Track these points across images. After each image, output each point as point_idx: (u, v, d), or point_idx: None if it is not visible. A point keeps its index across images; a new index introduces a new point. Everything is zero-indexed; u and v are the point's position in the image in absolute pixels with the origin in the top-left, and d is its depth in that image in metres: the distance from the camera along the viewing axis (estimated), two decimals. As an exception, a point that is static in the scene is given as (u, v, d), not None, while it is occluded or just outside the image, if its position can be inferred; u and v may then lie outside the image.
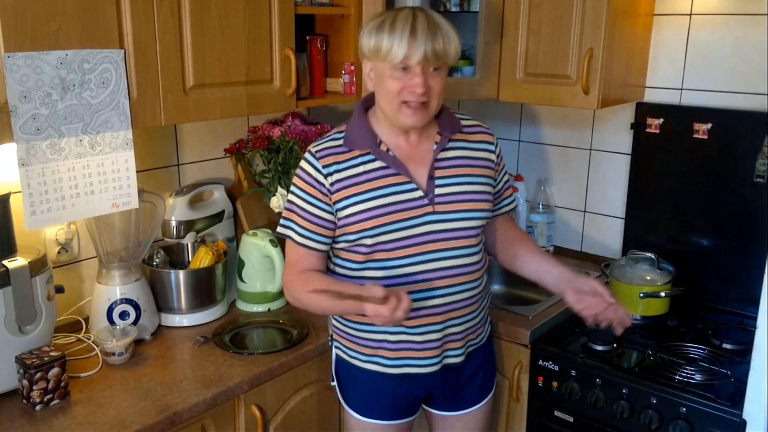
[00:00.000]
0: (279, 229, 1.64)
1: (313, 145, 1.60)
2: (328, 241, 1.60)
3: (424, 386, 1.69)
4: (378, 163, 1.56)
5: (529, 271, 1.75)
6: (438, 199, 1.57)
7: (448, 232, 1.58)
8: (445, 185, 1.59)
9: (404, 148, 1.59)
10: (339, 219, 1.56)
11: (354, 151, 1.56)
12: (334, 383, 1.77)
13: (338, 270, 1.64)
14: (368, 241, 1.55)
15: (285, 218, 1.62)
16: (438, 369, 1.64)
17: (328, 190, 1.55)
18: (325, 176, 1.55)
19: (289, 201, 1.61)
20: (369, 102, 1.64)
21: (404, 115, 1.51)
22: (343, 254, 1.62)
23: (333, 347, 1.76)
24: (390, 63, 1.47)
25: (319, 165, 1.56)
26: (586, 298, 1.60)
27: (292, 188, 1.60)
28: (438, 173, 1.59)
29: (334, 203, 1.55)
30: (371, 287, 1.42)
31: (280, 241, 2.05)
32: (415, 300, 1.53)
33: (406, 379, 1.66)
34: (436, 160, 1.59)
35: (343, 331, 1.69)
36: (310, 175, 1.57)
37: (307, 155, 1.59)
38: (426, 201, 1.56)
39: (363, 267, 1.59)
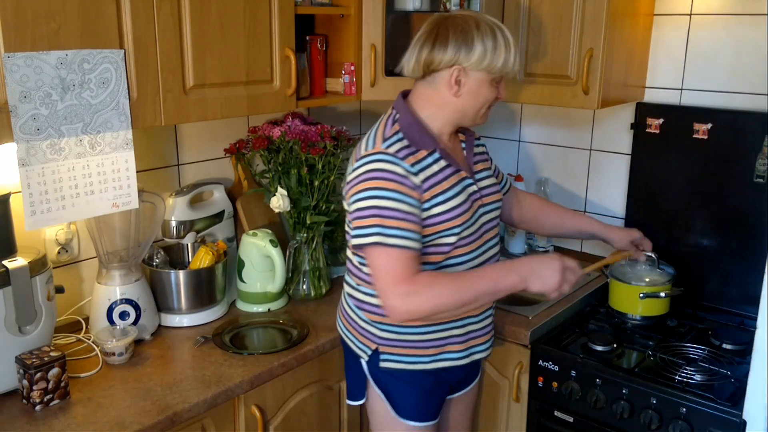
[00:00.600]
0: (365, 240, 1.49)
1: (381, 147, 1.53)
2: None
3: (458, 376, 1.78)
4: (443, 162, 1.60)
5: (571, 222, 2.03)
6: (482, 192, 1.70)
7: (491, 222, 1.72)
8: (482, 179, 1.72)
9: (448, 146, 1.66)
10: (424, 219, 1.55)
11: (422, 151, 1.57)
12: (359, 401, 1.76)
13: None
14: (451, 239, 1.58)
15: (370, 226, 1.48)
16: (490, 353, 1.80)
17: (421, 189, 1.54)
18: (415, 174, 1.53)
19: (374, 207, 1.49)
20: (399, 104, 1.64)
21: (483, 117, 1.65)
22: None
23: (373, 363, 1.68)
24: (496, 74, 1.58)
25: (405, 165, 1.52)
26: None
27: (376, 193, 1.49)
28: (474, 168, 1.72)
29: (423, 202, 1.54)
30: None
31: (280, 242, 2.06)
32: None
33: (452, 371, 1.72)
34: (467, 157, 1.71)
35: (398, 340, 1.65)
36: (398, 174, 1.50)
37: (383, 156, 1.51)
38: (478, 195, 1.67)
39: (441, 265, 1.61)
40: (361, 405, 1.79)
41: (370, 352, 1.68)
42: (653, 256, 2.05)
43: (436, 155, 1.59)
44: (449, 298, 1.49)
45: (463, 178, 1.64)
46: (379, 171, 1.51)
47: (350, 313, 1.73)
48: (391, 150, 1.53)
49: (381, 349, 1.67)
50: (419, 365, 1.68)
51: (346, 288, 1.76)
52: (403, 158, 1.53)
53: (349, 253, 1.71)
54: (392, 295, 1.47)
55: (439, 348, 1.67)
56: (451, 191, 1.59)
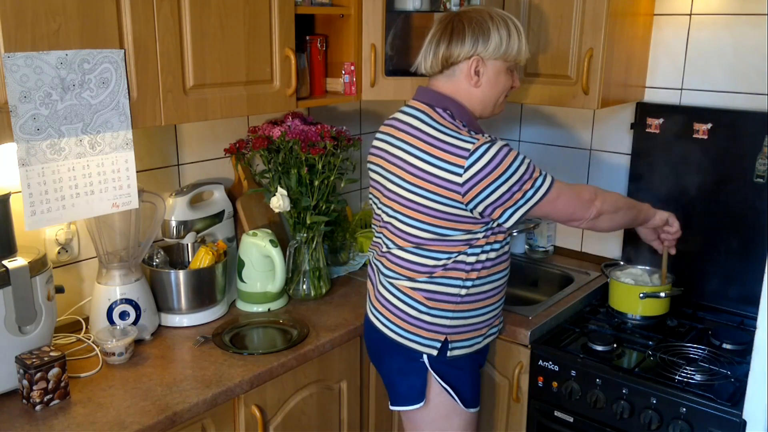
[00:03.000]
0: (546, 183, 1.63)
1: (481, 137, 1.59)
2: None
3: (486, 354, 1.94)
4: None
5: None
6: None
7: None
8: None
9: None
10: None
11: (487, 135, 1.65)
12: (417, 405, 1.74)
13: (486, 257, 1.69)
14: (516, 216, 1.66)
15: (540, 176, 1.63)
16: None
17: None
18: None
19: (528, 164, 1.61)
20: (440, 98, 1.69)
21: (500, 106, 1.77)
22: (485, 240, 1.68)
23: (441, 356, 1.71)
24: (512, 62, 1.70)
25: (502, 141, 1.62)
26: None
27: (516, 164, 1.58)
28: None
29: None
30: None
31: (280, 242, 2.06)
32: (509, 272, 1.82)
33: (484, 350, 1.86)
34: None
35: (466, 324, 1.73)
36: (509, 147, 1.61)
37: (492, 142, 1.58)
38: None
39: (504, 243, 1.74)
40: (413, 409, 1.76)
41: (439, 345, 1.71)
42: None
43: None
44: (618, 198, 1.82)
45: None
46: (501, 151, 1.58)
47: (411, 312, 1.71)
48: (488, 138, 1.60)
49: (450, 338, 1.72)
50: (476, 345, 1.78)
51: (405, 286, 1.71)
52: (495, 140, 1.62)
53: (404, 254, 1.70)
54: (588, 200, 1.72)
55: (489, 325, 1.80)
56: None
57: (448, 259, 1.67)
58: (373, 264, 1.83)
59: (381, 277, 1.77)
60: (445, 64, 1.68)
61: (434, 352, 1.71)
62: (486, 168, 1.56)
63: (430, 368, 1.73)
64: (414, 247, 1.68)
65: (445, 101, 1.67)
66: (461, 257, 1.67)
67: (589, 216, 1.72)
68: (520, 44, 1.68)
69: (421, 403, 1.75)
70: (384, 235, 1.75)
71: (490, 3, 2.13)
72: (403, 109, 1.74)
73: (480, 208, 1.60)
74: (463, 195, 1.58)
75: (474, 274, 1.69)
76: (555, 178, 1.67)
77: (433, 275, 1.68)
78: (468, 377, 1.79)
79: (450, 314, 1.70)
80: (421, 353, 1.72)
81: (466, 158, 1.56)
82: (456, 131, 1.60)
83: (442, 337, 1.71)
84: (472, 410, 1.81)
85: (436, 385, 1.74)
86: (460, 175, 1.56)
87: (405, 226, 1.68)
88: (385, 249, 1.75)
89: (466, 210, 1.61)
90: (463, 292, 1.69)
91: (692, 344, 1.93)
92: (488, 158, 1.56)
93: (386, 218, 1.73)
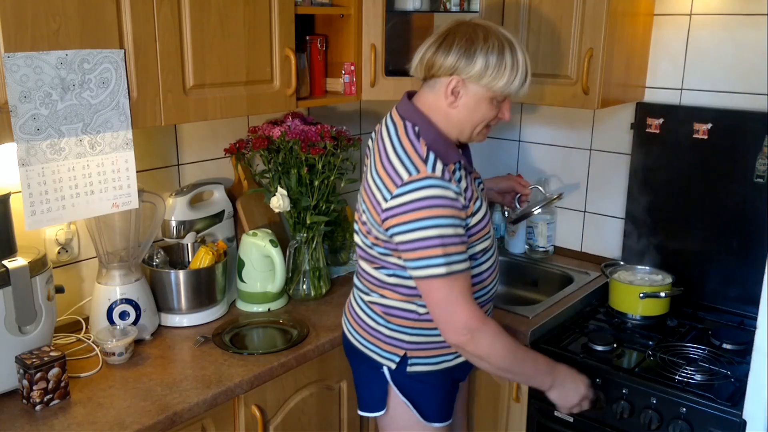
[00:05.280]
0: (432, 271, 1.44)
1: (427, 170, 1.45)
2: None
3: (466, 369, 1.77)
4: (464, 170, 1.56)
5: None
6: (483, 184, 1.72)
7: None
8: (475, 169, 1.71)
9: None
10: (465, 232, 1.52)
11: (450, 164, 1.51)
12: (378, 413, 1.71)
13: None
14: (485, 244, 1.59)
15: (436, 257, 1.44)
16: None
17: (464, 207, 1.50)
18: (461, 194, 1.49)
19: (437, 236, 1.43)
20: (411, 112, 1.55)
21: (481, 135, 1.59)
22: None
23: (399, 370, 1.65)
24: (500, 93, 1.51)
25: (453, 187, 1.46)
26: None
27: (437, 222, 1.43)
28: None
29: (466, 218, 1.51)
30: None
31: (280, 242, 2.06)
32: (493, 286, 1.69)
33: (464, 365, 1.71)
34: None
35: (427, 342, 1.63)
36: (451, 198, 1.45)
37: (434, 182, 1.44)
38: (483, 187, 1.69)
39: (474, 274, 1.58)
40: (376, 417, 1.74)
41: (398, 359, 1.64)
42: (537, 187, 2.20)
43: (460, 164, 1.54)
44: (504, 355, 1.53)
45: (476, 179, 1.65)
46: (434, 198, 1.43)
47: (371, 323, 1.67)
48: (438, 173, 1.45)
49: (409, 354, 1.64)
50: (444, 364, 1.67)
51: (364, 298, 1.68)
52: (449, 180, 1.47)
53: (363, 264, 1.65)
54: (461, 329, 1.48)
55: None
56: (479, 199, 1.57)
57: (395, 275, 1.58)
58: (354, 261, 1.80)
59: (354, 282, 1.76)
60: (427, 74, 1.53)
61: (393, 366, 1.65)
62: (407, 205, 1.44)
63: (390, 380, 1.67)
64: (373, 266, 1.62)
65: (416, 117, 1.53)
66: (408, 280, 1.56)
67: (453, 341, 1.52)
68: (511, 78, 1.48)
69: (382, 412, 1.71)
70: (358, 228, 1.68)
71: (489, 5, 2.13)
72: (387, 119, 1.62)
73: (395, 240, 1.49)
74: (383, 221, 1.49)
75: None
76: (456, 271, 1.45)
77: (385, 293, 1.62)
78: (432, 392, 1.69)
79: (409, 330, 1.62)
80: (381, 364, 1.67)
81: (398, 186, 1.45)
82: (409, 153, 1.48)
83: (401, 352, 1.63)
84: (437, 425, 1.70)
85: (395, 396, 1.68)
86: (387, 200, 1.47)
87: (357, 237, 1.65)
88: (356, 248, 1.70)
89: (388, 236, 1.51)
90: (421, 310, 1.60)
91: (692, 344, 1.93)
92: (413, 197, 1.43)
93: (357, 213, 1.66)
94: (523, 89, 1.52)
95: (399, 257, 1.53)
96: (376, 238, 1.56)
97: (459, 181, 1.51)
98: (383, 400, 1.70)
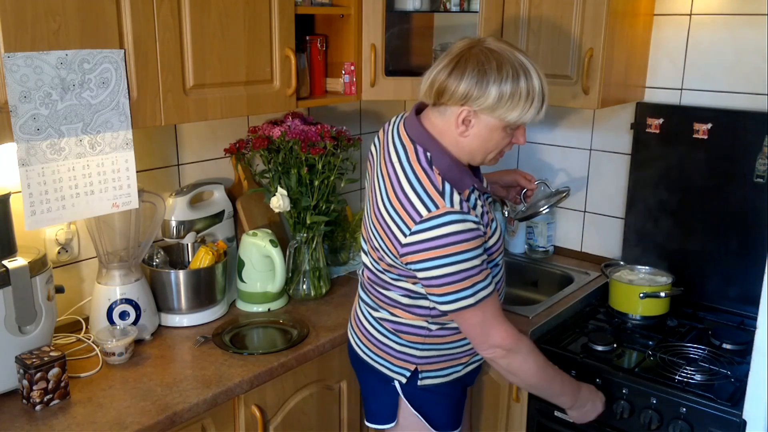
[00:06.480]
0: (464, 303, 1.43)
1: (446, 205, 1.41)
2: None
3: (474, 376, 1.79)
4: (477, 192, 1.53)
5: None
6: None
7: None
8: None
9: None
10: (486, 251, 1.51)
11: (465, 190, 1.48)
12: (388, 425, 1.69)
13: None
14: (498, 258, 1.58)
15: (466, 288, 1.42)
16: None
17: (483, 233, 1.47)
18: (479, 223, 1.45)
19: (464, 270, 1.41)
20: (422, 135, 1.50)
21: (493, 159, 1.54)
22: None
23: (411, 383, 1.64)
24: (513, 123, 1.45)
25: (472, 217, 1.43)
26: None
27: (463, 256, 1.40)
28: None
29: (485, 242, 1.50)
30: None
31: (280, 242, 2.06)
32: (501, 297, 1.66)
33: (473, 372, 1.74)
34: None
35: (438, 356, 1.62)
36: (473, 230, 1.42)
37: (455, 217, 1.40)
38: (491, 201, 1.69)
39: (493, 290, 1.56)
40: (386, 429, 1.73)
41: (408, 374, 1.62)
42: (544, 182, 2.16)
43: (474, 187, 1.51)
44: (536, 372, 1.56)
45: (488, 197, 1.64)
46: (456, 234, 1.39)
47: (381, 339, 1.65)
48: (456, 206, 1.41)
49: (420, 368, 1.63)
50: (455, 375, 1.67)
51: (373, 314, 1.66)
52: (468, 211, 1.43)
53: (373, 284, 1.63)
54: (496, 348, 1.50)
55: (471, 354, 1.67)
56: (494, 221, 1.56)
57: (408, 297, 1.56)
58: (359, 275, 1.75)
59: (360, 295, 1.74)
60: (437, 100, 1.46)
61: (403, 380, 1.63)
62: (428, 242, 1.40)
63: (401, 393, 1.66)
64: (379, 282, 1.60)
65: (427, 142, 1.48)
66: (420, 300, 1.55)
67: (487, 356, 1.53)
68: (525, 107, 1.41)
69: (392, 424, 1.69)
70: (367, 250, 1.63)
71: (489, 5, 2.13)
72: (394, 134, 1.57)
73: (419, 276, 1.46)
74: (401, 256, 1.45)
75: (438, 317, 1.57)
76: (485, 296, 1.45)
77: (396, 312, 1.60)
78: (443, 403, 1.69)
79: (420, 345, 1.61)
80: (391, 378, 1.65)
81: (416, 222, 1.41)
82: (425, 185, 1.44)
83: (411, 367, 1.62)
84: None
85: (406, 408, 1.67)
86: (405, 236, 1.43)
87: (366, 258, 1.63)
88: (363, 267, 1.68)
89: (406, 268, 1.49)
90: (433, 327, 1.59)
91: (692, 344, 1.93)
92: (435, 234, 1.39)
93: (365, 233, 1.62)
94: (539, 116, 1.46)
95: (413, 283, 1.53)
96: (389, 265, 1.53)
97: (474, 207, 1.48)
98: (393, 412, 1.69)
